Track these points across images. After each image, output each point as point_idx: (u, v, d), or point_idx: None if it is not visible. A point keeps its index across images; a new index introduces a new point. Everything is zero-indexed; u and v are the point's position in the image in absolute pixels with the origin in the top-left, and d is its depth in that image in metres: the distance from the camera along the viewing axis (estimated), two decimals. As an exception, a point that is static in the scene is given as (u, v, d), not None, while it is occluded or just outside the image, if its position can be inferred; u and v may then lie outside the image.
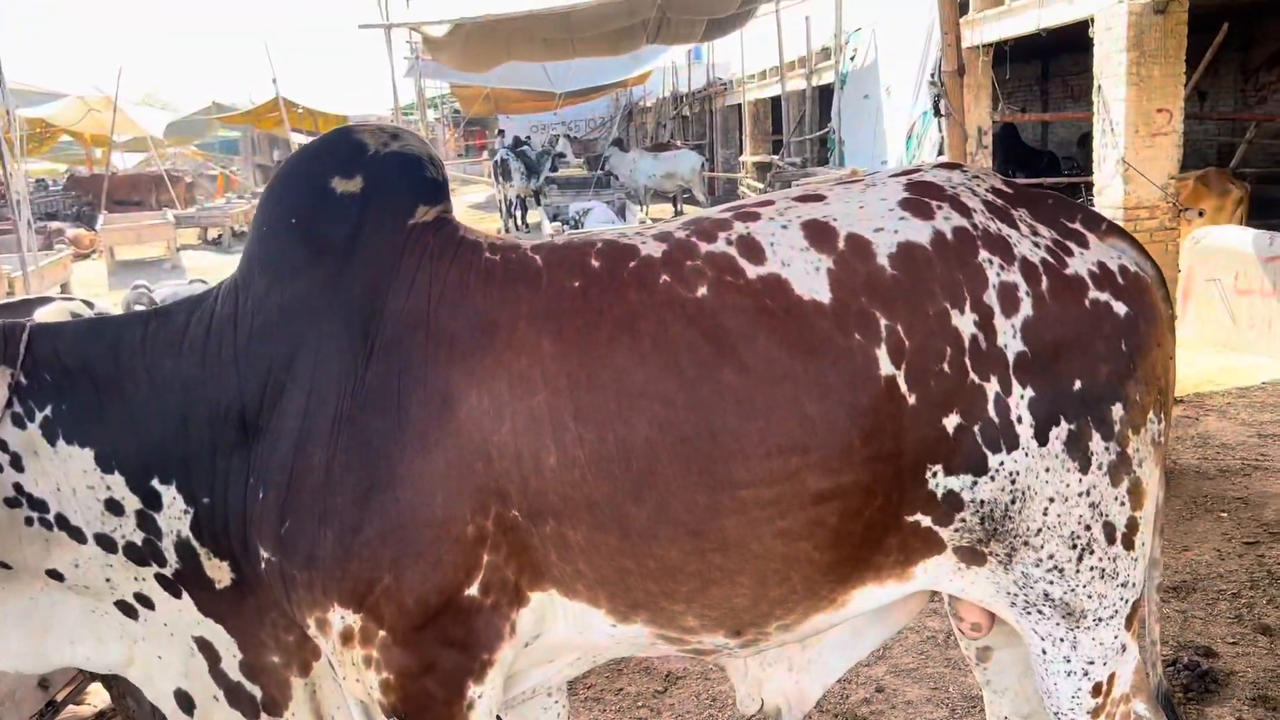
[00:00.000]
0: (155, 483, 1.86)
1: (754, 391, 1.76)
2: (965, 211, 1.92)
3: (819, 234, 1.88)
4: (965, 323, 1.82)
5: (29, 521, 1.85)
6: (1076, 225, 1.98)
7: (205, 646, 1.99)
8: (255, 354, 1.86)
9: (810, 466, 1.77)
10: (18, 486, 1.84)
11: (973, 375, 1.81)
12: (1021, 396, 1.82)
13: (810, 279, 1.83)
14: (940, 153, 14.04)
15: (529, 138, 25.20)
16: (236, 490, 1.87)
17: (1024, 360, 1.82)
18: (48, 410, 1.84)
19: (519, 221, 20.49)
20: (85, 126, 23.70)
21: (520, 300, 1.85)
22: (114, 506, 1.86)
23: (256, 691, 2.01)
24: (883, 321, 1.80)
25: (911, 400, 1.79)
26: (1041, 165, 13.85)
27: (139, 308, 3.18)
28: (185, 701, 2.02)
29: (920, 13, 14.48)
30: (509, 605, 1.85)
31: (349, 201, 1.91)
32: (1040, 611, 1.92)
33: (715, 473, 1.76)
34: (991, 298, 1.83)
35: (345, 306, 1.85)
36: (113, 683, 3.17)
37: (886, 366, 1.79)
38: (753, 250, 1.87)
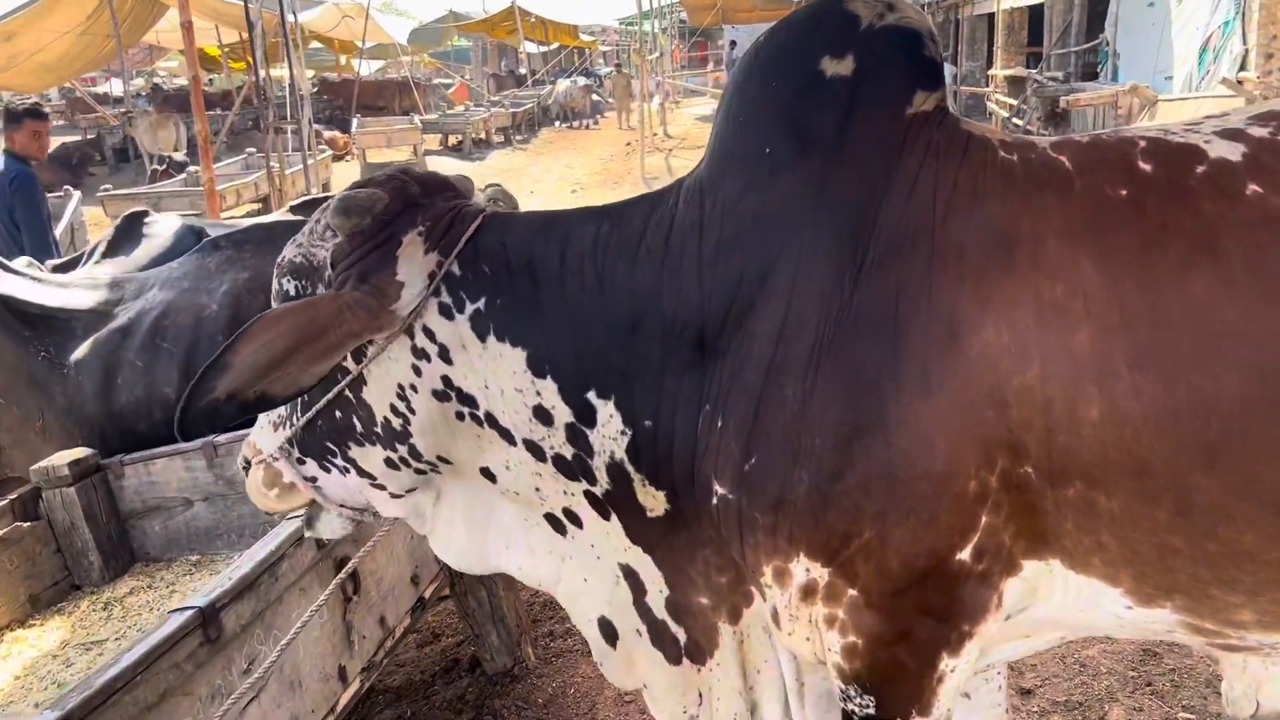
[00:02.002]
0: (591, 395, 1.68)
1: None
2: None
3: None
4: None
5: (460, 416, 1.75)
6: None
7: (631, 576, 1.83)
8: (723, 265, 1.63)
9: None
10: (446, 379, 1.72)
11: None
12: None
13: None
14: (1241, 68, 12.50)
15: (761, 48, 24.45)
16: (686, 416, 1.66)
17: None
18: (480, 303, 1.70)
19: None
20: (338, 33, 24.85)
21: (1049, 211, 1.50)
22: (542, 415, 1.71)
23: (681, 634, 1.85)
24: None
25: None
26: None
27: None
28: (609, 630, 1.89)
29: (1230, -94, 12.77)
30: (1000, 574, 1.57)
31: (839, 86, 1.60)
32: None
33: None
34: None
35: (833, 213, 1.57)
36: (456, 579, 3.17)
37: None
38: None
